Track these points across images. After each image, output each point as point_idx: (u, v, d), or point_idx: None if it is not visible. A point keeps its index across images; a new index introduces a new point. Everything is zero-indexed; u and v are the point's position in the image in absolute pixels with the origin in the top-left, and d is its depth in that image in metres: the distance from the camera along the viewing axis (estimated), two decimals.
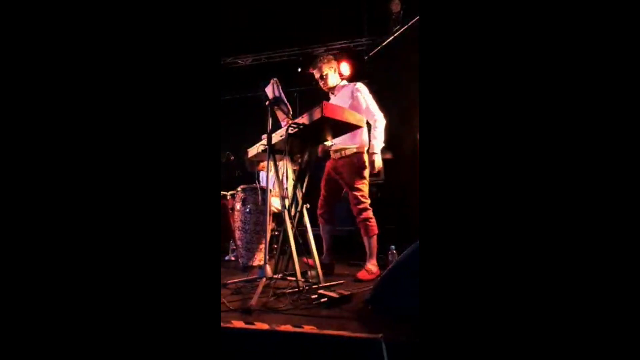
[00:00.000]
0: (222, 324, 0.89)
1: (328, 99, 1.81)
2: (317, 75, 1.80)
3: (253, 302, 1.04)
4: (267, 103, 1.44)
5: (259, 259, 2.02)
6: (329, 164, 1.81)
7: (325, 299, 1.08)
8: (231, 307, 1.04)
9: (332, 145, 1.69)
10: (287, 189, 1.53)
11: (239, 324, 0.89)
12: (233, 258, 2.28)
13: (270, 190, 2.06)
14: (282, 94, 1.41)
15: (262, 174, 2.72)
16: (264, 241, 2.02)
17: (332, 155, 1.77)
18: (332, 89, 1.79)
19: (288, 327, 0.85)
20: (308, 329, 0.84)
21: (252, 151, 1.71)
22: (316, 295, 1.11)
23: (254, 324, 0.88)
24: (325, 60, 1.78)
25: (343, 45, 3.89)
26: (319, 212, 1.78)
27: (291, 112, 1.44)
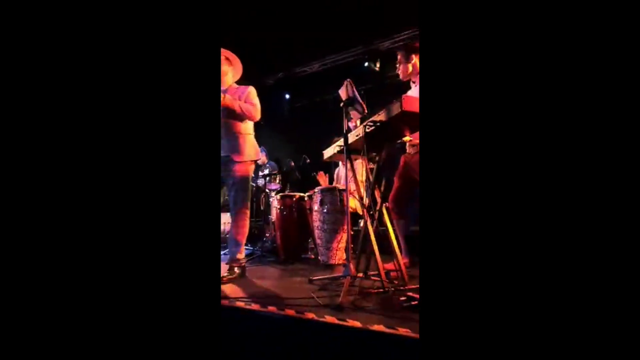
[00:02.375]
0: (314, 318, 0.93)
1: (394, 95, 1.73)
2: (398, 63, 1.72)
3: (341, 299, 1.06)
4: (341, 104, 1.46)
5: (339, 257, 2.07)
6: (404, 159, 1.73)
7: (416, 302, 1.03)
8: (321, 303, 1.09)
9: (410, 139, 1.62)
10: (365, 188, 1.53)
11: (331, 319, 0.92)
12: (312, 256, 2.39)
13: (345, 190, 2.09)
14: (357, 94, 1.41)
15: (338, 171, 2.77)
16: (342, 240, 2.06)
17: (408, 149, 1.69)
18: (413, 77, 1.70)
19: (381, 327, 0.84)
20: (402, 331, 0.81)
21: (328, 152, 1.76)
22: (405, 298, 1.07)
23: (346, 321, 0.90)
24: (409, 46, 1.69)
25: (409, 34, 3.69)
26: (390, 206, 1.71)
27: (366, 111, 1.43)
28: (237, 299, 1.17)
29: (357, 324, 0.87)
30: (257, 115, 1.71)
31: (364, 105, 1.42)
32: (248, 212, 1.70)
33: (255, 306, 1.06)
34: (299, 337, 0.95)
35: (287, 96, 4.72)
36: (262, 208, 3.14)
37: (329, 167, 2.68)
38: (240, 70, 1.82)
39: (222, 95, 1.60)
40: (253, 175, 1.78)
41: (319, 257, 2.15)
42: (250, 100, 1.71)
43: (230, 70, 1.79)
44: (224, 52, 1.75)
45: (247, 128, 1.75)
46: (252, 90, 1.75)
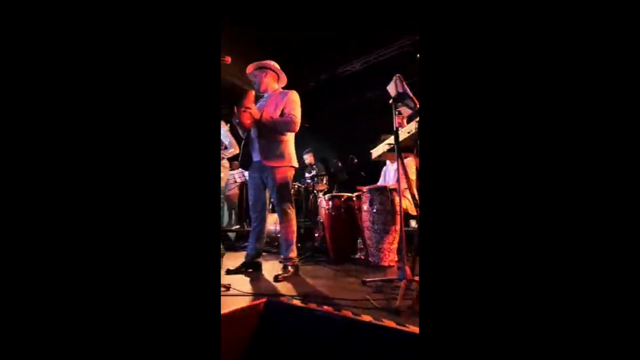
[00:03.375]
0: (372, 321, 0.92)
1: None
2: None
3: (399, 302, 1.02)
4: (390, 101, 1.42)
5: (390, 258, 2.01)
6: None
7: None
8: (377, 306, 1.07)
9: None
10: (417, 187, 1.45)
11: (390, 323, 0.89)
12: (363, 257, 2.35)
13: (395, 190, 2.02)
14: (407, 89, 1.35)
15: (385, 170, 2.70)
16: (394, 241, 2.00)
17: None
18: None
19: None
20: None
21: (377, 151, 1.72)
22: None
23: (405, 326, 0.86)
24: None
25: None
26: None
27: (418, 106, 1.36)
28: (293, 296, 1.21)
29: (418, 330, 0.83)
30: (295, 128, 1.75)
31: (416, 100, 1.35)
32: (293, 211, 1.76)
33: (312, 305, 1.09)
34: (357, 339, 0.94)
35: (331, 97, 4.75)
36: (310, 209, 3.21)
37: (377, 166, 2.62)
38: (284, 77, 1.90)
39: (257, 111, 1.71)
40: (292, 179, 1.83)
41: (370, 258, 2.12)
42: (289, 111, 1.75)
43: (273, 80, 1.87)
44: (267, 64, 1.84)
45: (288, 134, 1.81)
46: (292, 97, 1.79)
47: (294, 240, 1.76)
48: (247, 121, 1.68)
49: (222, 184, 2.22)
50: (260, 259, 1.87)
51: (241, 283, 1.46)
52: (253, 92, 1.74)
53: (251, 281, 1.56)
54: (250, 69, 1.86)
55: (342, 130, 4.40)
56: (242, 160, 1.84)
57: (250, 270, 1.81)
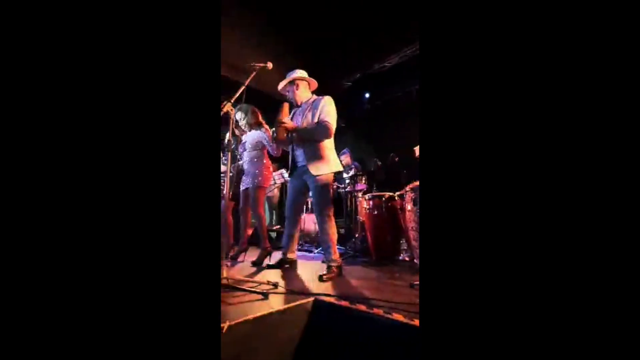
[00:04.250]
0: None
1: None
2: None
3: None
4: None
5: None
6: None
7: None
8: None
9: None
10: None
11: None
12: (407, 258, 2.27)
13: None
14: None
15: None
16: None
17: None
18: None
19: None
20: None
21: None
22: None
23: None
24: None
25: None
26: None
27: None
28: (340, 297, 1.20)
29: None
30: (329, 135, 1.79)
31: None
32: (332, 214, 1.78)
33: (360, 306, 1.07)
34: (410, 344, 0.91)
35: (367, 95, 4.67)
36: (348, 209, 3.19)
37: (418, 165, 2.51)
38: (314, 81, 1.95)
39: (292, 124, 1.80)
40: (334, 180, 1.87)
41: (415, 260, 2.03)
42: (322, 117, 1.78)
43: (305, 88, 1.92)
44: (295, 77, 1.87)
45: (328, 140, 1.83)
46: (325, 103, 1.81)
47: (335, 241, 1.77)
48: (283, 135, 1.78)
49: (268, 183, 2.31)
50: (295, 256, 1.98)
51: (287, 281, 1.49)
52: (287, 105, 1.82)
53: (296, 280, 1.59)
54: (280, 86, 1.94)
55: (381, 128, 4.30)
56: (290, 169, 1.94)
57: (287, 266, 1.94)
